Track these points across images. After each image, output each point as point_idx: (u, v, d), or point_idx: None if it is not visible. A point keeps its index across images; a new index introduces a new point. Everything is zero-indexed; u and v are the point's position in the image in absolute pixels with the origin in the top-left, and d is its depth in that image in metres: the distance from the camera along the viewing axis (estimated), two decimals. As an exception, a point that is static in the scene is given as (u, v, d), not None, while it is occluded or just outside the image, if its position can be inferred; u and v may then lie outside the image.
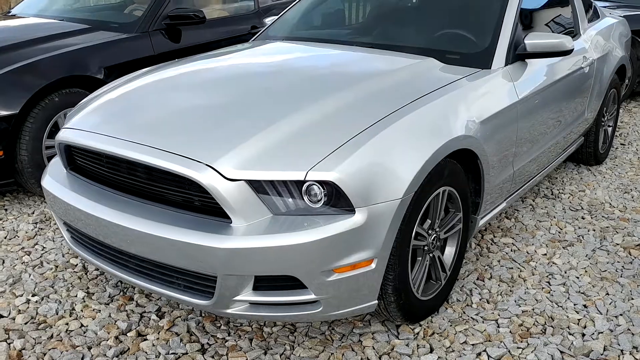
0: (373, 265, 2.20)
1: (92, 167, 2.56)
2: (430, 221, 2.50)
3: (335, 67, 3.01)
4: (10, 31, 4.24)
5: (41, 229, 3.51)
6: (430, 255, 2.56)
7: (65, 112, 3.80)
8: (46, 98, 3.73)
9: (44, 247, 3.29)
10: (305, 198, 2.15)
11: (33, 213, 3.72)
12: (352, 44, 3.44)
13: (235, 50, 3.50)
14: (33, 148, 3.68)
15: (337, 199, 2.14)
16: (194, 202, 2.26)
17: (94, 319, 2.65)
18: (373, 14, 3.87)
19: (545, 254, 3.23)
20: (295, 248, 2.07)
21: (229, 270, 2.11)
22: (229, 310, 2.23)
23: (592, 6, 4.58)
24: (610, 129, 4.77)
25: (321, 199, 2.13)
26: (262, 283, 2.17)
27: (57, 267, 3.09)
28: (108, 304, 2.76)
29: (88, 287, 2.89)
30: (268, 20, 4.08)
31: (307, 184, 2.12)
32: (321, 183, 2.12)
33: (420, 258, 2.52)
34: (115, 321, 2.63)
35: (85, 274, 3.02)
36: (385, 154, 2.22)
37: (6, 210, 3.77)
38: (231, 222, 2.14)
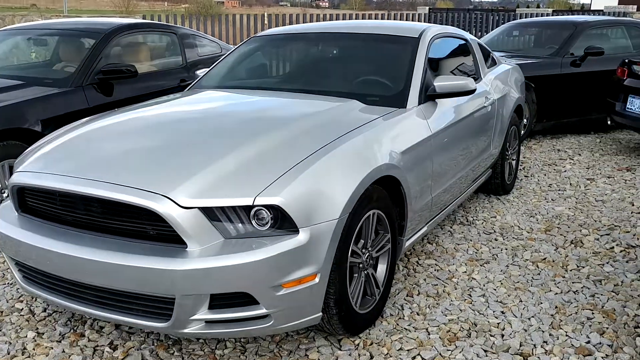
0: (317, 280, 2.45)
1: (45, 207, 2.69)
2: (363, 241, 2.79)
3: (270, 110, 3.31)
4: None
5: (-19, 278, 3.53)
6: (365, 272, 2.84)
7: (4, 163, 3.87)
8: (-16, 150, 3.80)
9: (-15, 296, 3.31)
10: (254, 222, 2.39)
11: (-30, 265, 3.72)
12: (282, 90, 3.76)
13: (171, 99, 3.74)
14: (-29, 199, 3.72)
15: (282, 222, 2.40)
16: (148, 232, 2.45)
17: (47, 356, 2.72)
18: (300, 64, 4.22)
19: (465, 271, 3.59)
20: (246, 266, 2.30)
21: (186, 291, 2.30)
22: (185, 330, 2.40)
23: (490, 55, 5.16)
24: (514, 162, 5.30)
25: (268, 222, 2.38)
26: (217, 302, 2.37)
27: (2, 312, 3.12)
28: (60, 341, 2.84)
29: (37, 328, 2.96)
30: (200, 72, 4.34)
31: (255, 208, 2.37)
32: (268, 207, 2.37)
33: (356, 275, 2.79)
34: (70, 355, 2.72)
35: (33, 316, 3.07)
36: (323, 181, 2.51)
37: (-60, 264, 3.74)
38: (186, 247, 2.34)
